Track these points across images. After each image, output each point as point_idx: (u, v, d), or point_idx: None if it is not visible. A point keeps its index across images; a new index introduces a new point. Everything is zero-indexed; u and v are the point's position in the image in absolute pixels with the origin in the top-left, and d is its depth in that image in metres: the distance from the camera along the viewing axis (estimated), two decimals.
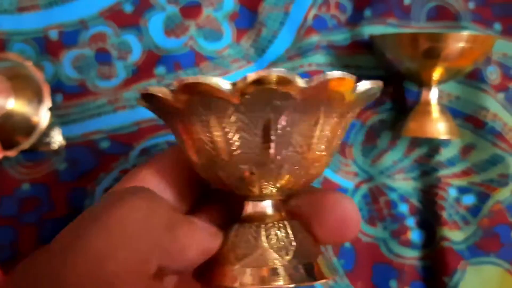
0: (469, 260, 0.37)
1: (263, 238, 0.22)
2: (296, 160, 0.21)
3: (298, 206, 0.24)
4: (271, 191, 0.22)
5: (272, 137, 0.20)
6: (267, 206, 0.23)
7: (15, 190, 0.35)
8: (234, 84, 0.18)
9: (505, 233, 0.38)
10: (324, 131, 0.21)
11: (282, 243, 0.22)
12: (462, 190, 0.39)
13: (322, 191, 0.25)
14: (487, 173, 0.39)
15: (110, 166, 0.36)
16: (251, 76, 0.18)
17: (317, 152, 0.21)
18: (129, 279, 0.19)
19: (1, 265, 0.31)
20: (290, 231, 0.22)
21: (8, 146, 0.33)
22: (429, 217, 0.38)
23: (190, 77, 0.19)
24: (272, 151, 0.20)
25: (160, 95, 0.20)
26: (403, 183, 0.39)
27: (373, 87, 0.21)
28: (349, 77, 0.19)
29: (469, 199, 0.39)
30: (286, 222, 0.22)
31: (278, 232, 0.22)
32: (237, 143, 0.20)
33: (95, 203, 0.21)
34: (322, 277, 0.22)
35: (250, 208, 0.23)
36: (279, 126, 0.20)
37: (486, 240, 0.38)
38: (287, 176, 0.21)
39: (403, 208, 0.39)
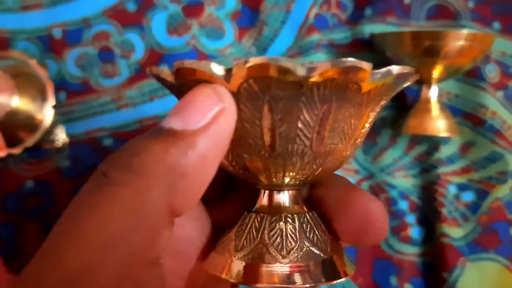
0: (468, 256, 0.37)
1: (266, 232, 0.20)
2: (304, 152, 0.19)
3: (320, 197, 0.22)
4: (282, 182, 0.20)
5: (275, 129, 0.18)
6: (282, 197, 0.21)
7: (19, 187, 0.35)
8: (229, 70, 0.17)
9: (504, 230, 0.38)
10: (338, 123, 0.19)
11: (286, 239, 0.20)
12: (462, 187, 0.39)
13: (349, 186, 0.22)
14: (486, 170, 0.39)
15: None
16: (248, 62, 0.17)
17: (331, 145, 0.19)
18: None
19: (5, 261, 0.31)
20: (299, 227, 0.20)
21: (12, 143, 0.33)
22: (429, 214, 0.39)
23: (186, 61, 0.18)
24: (276, 143, 0.18)
25: (161, 76, 0.19)
26: (403, 180, 0.39)
27: (402, 72, 0.18)
28: (361, 65, 0.17)
29: (468, 196, 0.39)
30: (296, 216, 0.20)
31: (285, 227, 0.20)
32: (239, 132, 0.18)
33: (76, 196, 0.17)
34: (336, 277, 0.19)
35: (264, 197, 0.21)
36: (282, 117, 0.18)
37: (485, 236, 0.38)
38: (296, 169, 0.19)
39: (403, 205, 0.39)
